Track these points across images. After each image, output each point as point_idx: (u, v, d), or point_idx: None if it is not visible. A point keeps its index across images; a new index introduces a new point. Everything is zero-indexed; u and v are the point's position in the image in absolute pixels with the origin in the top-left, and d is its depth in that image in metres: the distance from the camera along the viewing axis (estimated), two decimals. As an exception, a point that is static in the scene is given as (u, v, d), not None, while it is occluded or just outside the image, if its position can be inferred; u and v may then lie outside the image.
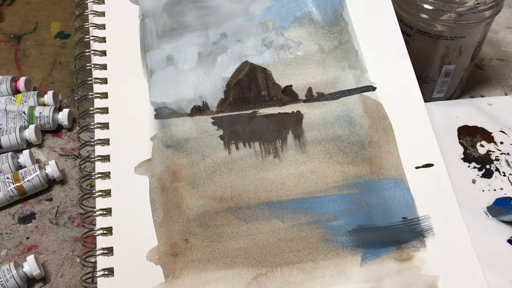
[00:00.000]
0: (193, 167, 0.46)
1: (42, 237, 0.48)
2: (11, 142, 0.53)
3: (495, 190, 0.51)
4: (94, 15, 0.52)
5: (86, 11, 0.52)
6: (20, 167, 0.52)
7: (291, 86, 0.49)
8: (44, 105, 0.57)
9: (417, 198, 0.45)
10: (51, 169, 0.51)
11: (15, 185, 0.49)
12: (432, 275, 0.42)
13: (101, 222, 0.43)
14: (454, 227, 0.44)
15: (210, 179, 0.45)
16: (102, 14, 0.52)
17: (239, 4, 0.53)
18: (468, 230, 0.44)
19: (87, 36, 0.50)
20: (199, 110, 0.48)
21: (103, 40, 0.51)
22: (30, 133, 0.54)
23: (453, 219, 0.45)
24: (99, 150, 0.46)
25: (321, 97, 0.49)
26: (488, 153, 0.54)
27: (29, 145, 0.55)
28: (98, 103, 0.48)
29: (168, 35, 0.51)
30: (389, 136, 0.48)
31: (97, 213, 0.43)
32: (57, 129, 0.57)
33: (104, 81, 0.49)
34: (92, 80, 0.49)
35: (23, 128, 0.54)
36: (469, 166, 0.53)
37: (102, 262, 0.42)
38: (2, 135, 0.53)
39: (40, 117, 0.55)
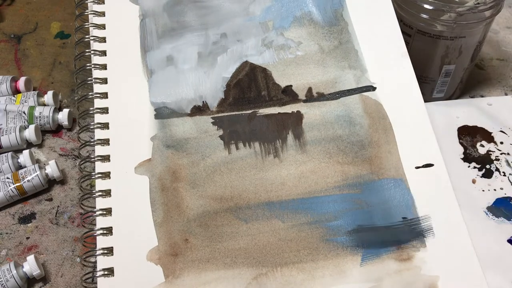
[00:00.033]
0: (193, 167, 0.46)
1: (42, 237, 0.48)
2: (11, 142, 0.53)
3: (495, 190, 0.51)
4: (94, 15, 0.52)
5: (86, 11, 0.52)
6: (20, 167, 0.52)
7: (291, 86, 0.49)
8: (44, 105, 0.57)
9: (417, 198, 0.45)
10: (51, 169, 0.51)
11: (15, 185, 0.49)
12: (432, 275, 0.42)
13: (101, 222, 0.43)
14: (454, 227, 0.44)
15: (210, 179, 0.45)
16: (102, 14, 0.52)
17: (239, 4, 0.53)
18: (468, 230, 0.44)
19: (87, 36, 0.50)
20: (199, 110, 0.48)
21: (103, 40, 0.51)
22: (30, 133, 0.54)
23: (453, 219, 0.45)
24: (99, 150, 0.46)
25: (321, 97, 0.49)
26: (488, 153, 0.54)
27: (29, 145, 0.55)
28: (98, 103, 0.48)
29: (168, 35, 0.51)
30: (389, 136, 0.48)
31: (97, 213, 0.43)
32: (57, 129, 0.57)
33: (104, 81, 0.49)
34: (92, 80, 0.49)
35: (23, 128, 0.54)
36: (469, 166, 0.53)
37: (102, 262, 0.42)
38: (2, 135, 0.53)
39: (40, 117, 0.55)
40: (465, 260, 0.43)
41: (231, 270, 0.42)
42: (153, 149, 0.46)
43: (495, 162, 0.54)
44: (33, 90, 0.61)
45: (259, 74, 0.50)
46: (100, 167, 0.45)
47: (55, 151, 0.55)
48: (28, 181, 0.49)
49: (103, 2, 0.52)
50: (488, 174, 0.52)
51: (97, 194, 0.44)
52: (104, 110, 0.47)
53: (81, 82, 0.49)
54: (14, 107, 0.56)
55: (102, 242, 0.42)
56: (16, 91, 0.59)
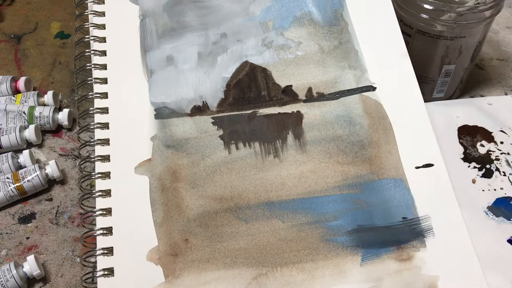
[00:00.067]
0: (193, 167, 0.46)
1: (42, 237, 0.48)
2: (11, 142, 0.53)
3: (495, 190, 0.51)
4: (94, 15, 0.52)
5: (86, 11, 0.52)
6: (20, 167, 0.52)
7: (291, 86, 0.49)
8: (44, 105, 0.57)
9: (417, 198, 0.45)
10: (51, 169, 0.51)
11: (15, 185, 0.49)
12: (432, 275, 0.42)
13: (101, 222, 0.43)
14: (454, 227, 0.44)
15: (210, 179, 0.45)
16: (102, 14, 0.52)
17: (239, 4, 0.53)
18: (468, 230, 0.44)
19: (87, 36, 0.50)
20: (199, 110, 0.48)
21: (103, 40, 0.51)
22: (30, 133, 0.54)
23: (453, 219, 0.45)
24: (99, 150, 0.46)
25: (321, 97, 0.49)
26: (488, 153, 0.54)
27: (29, 145, 0.55)
28: (98, 103, 0.48)
29: (168, 35, 0.51)
30: (389, 136, 0.48)
31: (97, 213, 0.43)
32: (57, 129, 0.57)
33: (104, 81, 0.49)
34: (92, 80, 0.49)
35: (23, 128, 0.54)
36: (469, 166, 0.53)
37: (102, 262, 0.42)
38: (2, 135, 0.53)
39: (40, 117, 0.55)
40: (465, 260, 0.43)
41: (231, 270, 0.42)
42: (153, 149, 0.46)
43: (495, 162, 0.54)
44: (33, 90, 0.61)
45: (259, 74, 0.50)
46: (100, 167, 0.45)
47: (55, 151, 0.55)
48: (28, 181, 0.49)
49: (103, 2, 0.52)
50: (488, 174, 0.52)
51: (97, 194, 0.44)
52: (104, 110, 0.47)
53: (81, 82, 0.49)
54: (14, 107, 0.56)
55: (102, 242, 0.42)
56: (16, 91, 0.59)
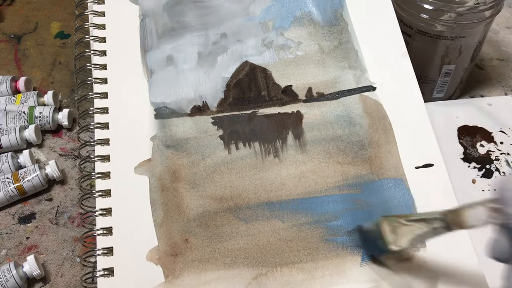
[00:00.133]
0: (193, 167, 0.46)
1: (42, 237, 0.48)
2: (11, 142, 0.53)
3: (495, 190, 0.51)
4: (94, 15, 0.52)
5: (86, 11, 0.52)
6: (20, 167, 0.52)
7: (291, 86, 0.49)
8: (44, 105, 0.57)
9: (417, 198, 0.45)
10: (51, 169, 0.51)
11: (15, 185, 0.49)
12: (432, 275, 0.42)
13: (101, 222, 0.43)
14: (454, 227, 0.44)
15: (210, 179, 0.45)
16: (102, 14, 0.52)
17: (239, 4, 0.53)
18: (468, 230, 0.44)
19: (87, 36, 0.50)
20: (199, 110, 0.48)
21: (103, 40, 0.51)
22: (30, 133, 0.54)
23: (453, 219, 0.45)
24: (99, 150, 0.46)
25: (321, 97, 0.49)
26: (488, 153, 0.54)
27: (29, 145, 0.55)
28: (98, 103, 0.48)
29: (168, 35, 0.51)
30: (389, 136, 0.48)
31: (97, 213, 0.43)
32: (57, 129, 0.57)
33: (104, 81, 0.49)
34: (92, 80, 0.49)
35: (23, 128, 0.54)
36: (469, 166, 0.53)
37: (102, 262, 0.42)
38: (2, 135, 0.53)
39: (40, 117, 0.55)
40: (465, 260, 0.43)
41: (231, 270, 0.42)
42: (153, 149, 0.46)
43: (495, 162, 0.54)
44: (33, 90, 0.61)
45: (259, 74, 0.50)
46: (100, 167, 0.45)
47: (55, 151, 0.55)
48: (28, 181, 0.49)
49: (103, 2, 0.52)
50: (488, 174, 0.52)
51: (97, 194, 0.44)
52: (104, 110, 0.47)
53: (81, 82, 0.49)
54: (14, 107, 0.56)
55: (102, 242, 0.42)
56: (16, 91, 0.59)
